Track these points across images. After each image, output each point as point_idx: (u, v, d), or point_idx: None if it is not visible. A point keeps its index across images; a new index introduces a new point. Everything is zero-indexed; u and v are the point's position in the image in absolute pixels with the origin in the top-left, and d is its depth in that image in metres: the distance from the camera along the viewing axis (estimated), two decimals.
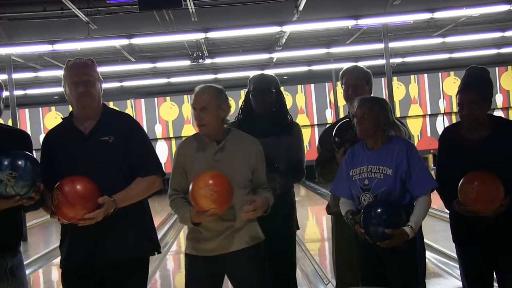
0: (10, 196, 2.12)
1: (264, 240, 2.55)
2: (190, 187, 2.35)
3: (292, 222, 3.03)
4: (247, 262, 2.47)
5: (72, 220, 2.22)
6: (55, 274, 6.16)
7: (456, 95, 2.58)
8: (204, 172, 2.37)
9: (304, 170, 3.01)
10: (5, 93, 2.60)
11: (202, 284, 2.50)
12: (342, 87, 2.93)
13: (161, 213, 8.97)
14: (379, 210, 2.41)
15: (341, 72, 2.96)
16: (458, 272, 2.73)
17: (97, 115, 2.41)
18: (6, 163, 2.11)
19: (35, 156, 2.28)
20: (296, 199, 3.13)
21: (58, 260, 6.68)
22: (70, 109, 2.49)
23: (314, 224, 8.48)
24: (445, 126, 2.82)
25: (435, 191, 2.57)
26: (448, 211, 2.64)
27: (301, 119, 13.02)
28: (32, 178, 2.14)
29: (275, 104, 3.01)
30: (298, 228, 3.09)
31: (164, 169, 2.53)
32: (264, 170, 2.56)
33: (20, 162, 2.12)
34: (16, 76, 9.97)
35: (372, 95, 2.84)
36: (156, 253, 2.48)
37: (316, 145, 3.16)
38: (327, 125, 3.09)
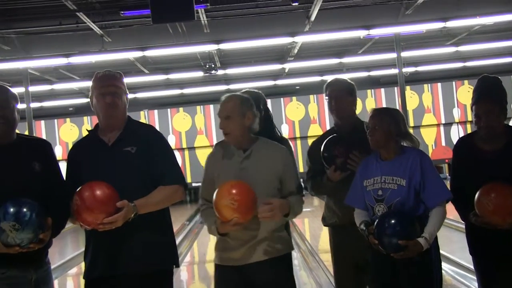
0: (10, 245, 2.12)
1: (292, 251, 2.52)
2: (213, 197, 2.35)
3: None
4: (272, 273, 2.45)
5: (92, 225, 2.24)
6: (70, 285, 6.19)
7: (472, 106, 2.54)
8: (226, 182, 2.37)
9: (301, 185, 2.96)
10: (22, 106, 2.66)
11: None
12: (325, 99, 2.94)
13: (174, 224, 8.96)
14: (393, 221, 2.40)
15: (324, 85, 2.96)
16: (476, 284, 2.69)
17: (121, 126, 2.45)
18: (11, 211, 2.10)
19: (57, 160, 2.32)
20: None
21: (73, 271, 6.68)
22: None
23: (327, 235, 8.41)
24: (460, 137, 2.78)
25: (450, 201, 2.55)
26: (464, 223, 2.62)
27: (314, 129, 12.94)
28: (35, 231, 2.12)
29: (263, 121, 2.83)
30: (292, 249, 3.01)
31: None
32: (293, 179, 2.52)
33: (25, 214, 2.10)
34: (32, 89, 10.11)
35: (384, 105, 2.84)
36: (174, 266, 2.49)
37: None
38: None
